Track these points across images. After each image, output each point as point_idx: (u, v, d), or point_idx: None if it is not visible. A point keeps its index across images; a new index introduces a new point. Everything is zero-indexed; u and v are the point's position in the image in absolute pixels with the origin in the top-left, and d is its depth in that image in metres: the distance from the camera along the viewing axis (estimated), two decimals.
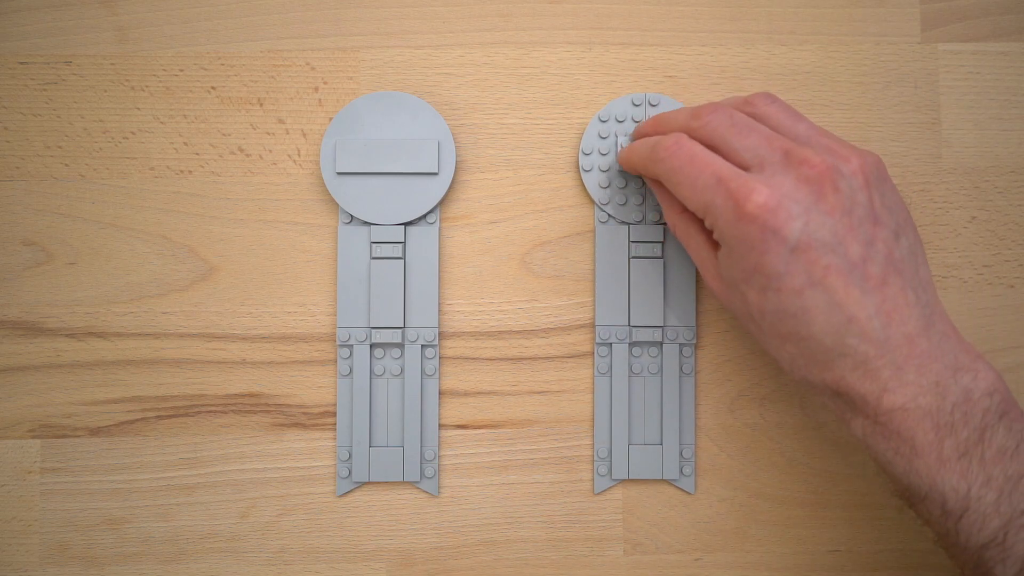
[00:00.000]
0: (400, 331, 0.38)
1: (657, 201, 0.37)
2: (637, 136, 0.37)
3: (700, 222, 0.33)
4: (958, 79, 0.39)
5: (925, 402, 0.29)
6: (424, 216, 0.38)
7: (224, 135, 0.38)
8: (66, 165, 0.38)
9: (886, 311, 0.29)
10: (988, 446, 0.28)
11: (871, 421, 0.30)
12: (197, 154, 0.38)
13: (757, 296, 0.30)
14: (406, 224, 0.38)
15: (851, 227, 0.29)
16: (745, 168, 0.31)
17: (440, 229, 0.39)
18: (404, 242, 0.38)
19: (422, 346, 0.38)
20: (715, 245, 0.33)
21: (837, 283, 0.29)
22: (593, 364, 0.39)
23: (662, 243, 0.38)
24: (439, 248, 0.38)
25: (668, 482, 0.39)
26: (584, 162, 0.38)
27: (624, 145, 0.38)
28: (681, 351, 0.38)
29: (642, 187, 0.38)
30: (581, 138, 0.39)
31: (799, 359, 0.31)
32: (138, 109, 0.38)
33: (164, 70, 0.38)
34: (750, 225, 0.29)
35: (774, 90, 0.39)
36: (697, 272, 0.38)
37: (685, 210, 0.34)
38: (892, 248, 0.30)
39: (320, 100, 0.39)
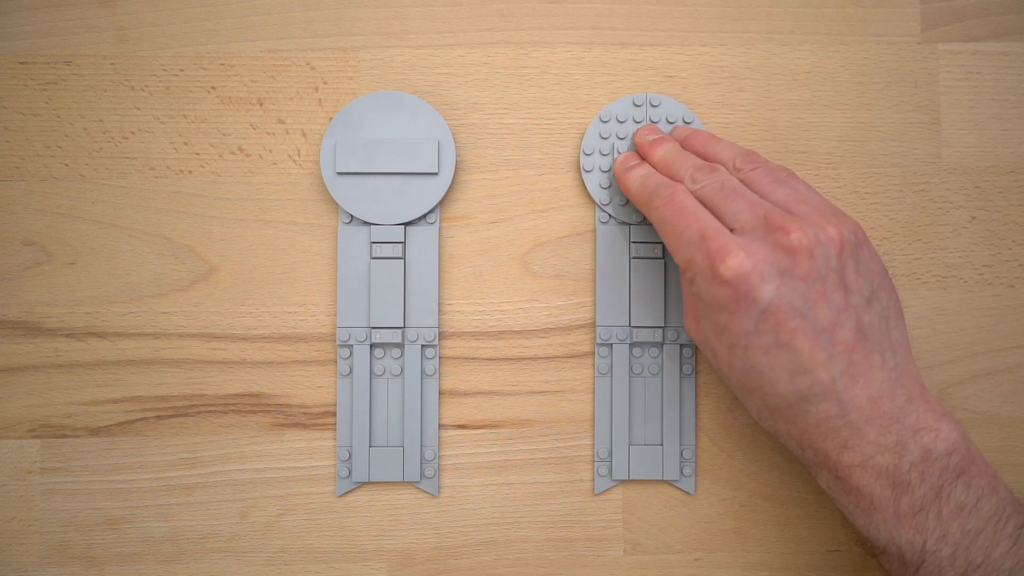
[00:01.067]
0: (400, 331, 0.38)
1: None
2: (638, 144, 0.37)
3: None
4: (958, 79, 0.39)
5: (883, 461, 0.30)
6: (424, 216, 0.38)
7: (224, 135, 0.38)
8: (66, 165, 0.38)
9: (851, 374, 0.30)
10: (946, 503, 0.30)
11: (833, 475, 0.31)
12: (197, 154, 0.38)
13: (726, 352, 0.32)
14: (406, 224, 0.38)
15: (823, 293, 0.30)
16: (731, 230, 0.32)
17: (440, 229, 0.39)
18: (404, 242, 0.38)
19: (422, 346, 0.38)
20: None
21: (804, 345, 0.30)
22: (593, 364, 0.39)
23: (663, 244, 0.38)
24: (439, 248, 0.38)
25: (668, 483, 0.39)
26: (585, 162, 0.38)
27: (621, 151, 0.38)
28: (682, 352, 0.38)
29: None
30: (581, 138, 0.39)
31: (765, 411, 0.32)
32: (138, 109, 0.38)
33: (164, 70, 0.38)
34: (724, 287, 0.30)
35: (774, 90, 0.39)
36: None
37: None
38: (863, 314, 0.31)
39: (320, 100, 0.39)
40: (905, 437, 0.30)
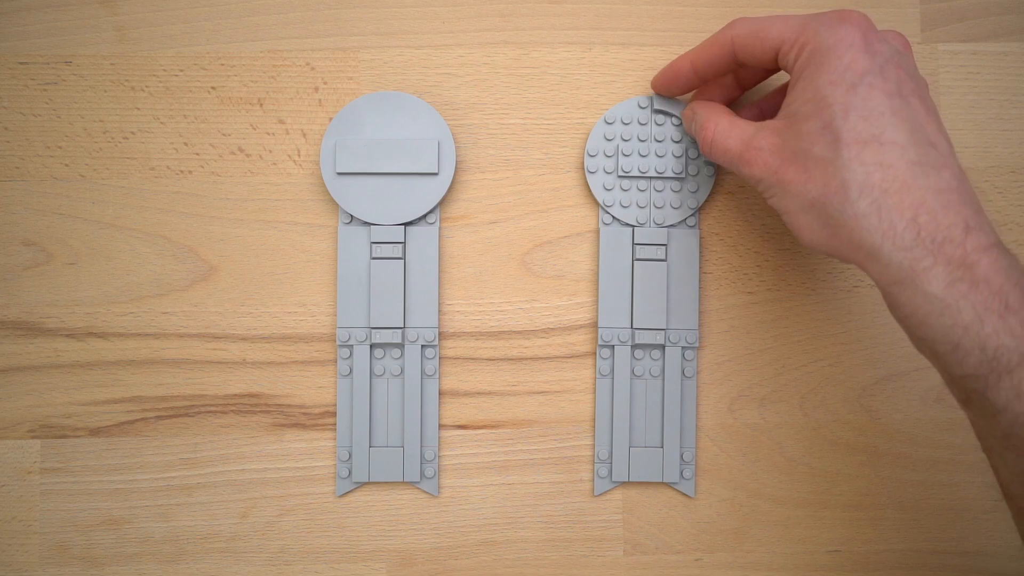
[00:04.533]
0: (400, 331, 0.38)
1: (660, 202, 0.38)
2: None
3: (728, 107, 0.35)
4: (958, 79, 0.39)
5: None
6: (424, 216, 0.38)
7: (224, 135, 0.38)
8: (66, 165, 0.38)
9: None
10: None
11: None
12: (197, 154, 0.38)
13: (844, 94, 0.30)
14: (406, 224, 0.38)
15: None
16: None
17: (440, 229, 0.39)
18: (404, 242, 0.38)
19: (422, 346, 0.38)
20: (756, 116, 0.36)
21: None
22: (594, 365, 0.39)
23: (666, 246, 0.38)
24: (439, 248, 0.38)
25: (668, 485, 0.39)
26: (589, 163, 0.38)
27: (626, 153, 0.37)
28: (683, 354, 0.38)
29: (646, 189, 0.38)
30: (581, 138, 0.39)
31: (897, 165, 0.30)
32: (138, 109, 0.38)
33: (164, 70, 0.38)
34: (846, 24, 0.30)
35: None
36: (700, 274, 0.38)
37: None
38: None
39: (320, 100, 0.39)
40: None
